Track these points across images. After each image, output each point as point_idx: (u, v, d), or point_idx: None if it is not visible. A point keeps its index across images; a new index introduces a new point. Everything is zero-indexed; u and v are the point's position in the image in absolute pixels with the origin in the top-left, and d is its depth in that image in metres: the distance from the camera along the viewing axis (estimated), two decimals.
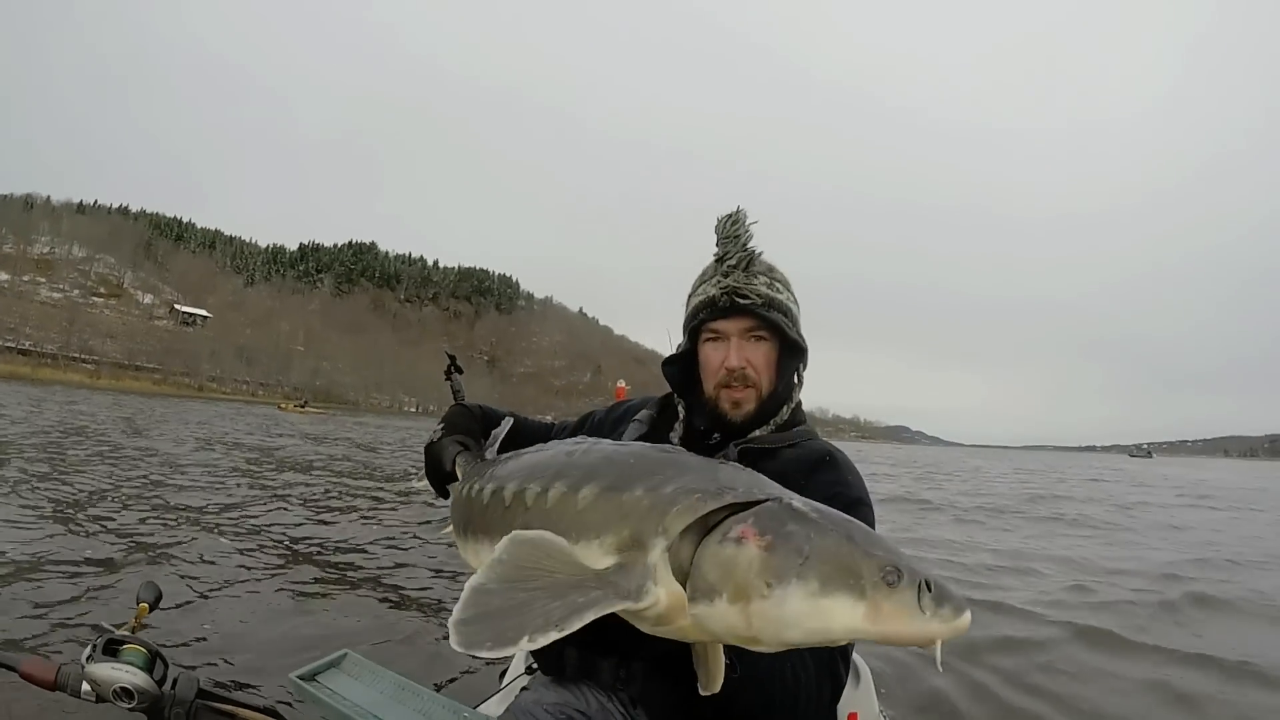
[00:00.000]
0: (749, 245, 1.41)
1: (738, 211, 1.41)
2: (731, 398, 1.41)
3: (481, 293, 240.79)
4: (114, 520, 7.56)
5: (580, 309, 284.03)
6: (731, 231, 1.41)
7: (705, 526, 0.73)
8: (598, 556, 0.76)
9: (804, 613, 0.67)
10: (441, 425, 1.57)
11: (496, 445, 1.44)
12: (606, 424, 1.66)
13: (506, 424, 1.55)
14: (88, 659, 1.30)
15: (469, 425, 1.56)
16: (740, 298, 1.37)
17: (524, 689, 1.61)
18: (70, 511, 7.79)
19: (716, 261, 1.43)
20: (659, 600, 0.72)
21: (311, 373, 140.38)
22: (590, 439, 1.01)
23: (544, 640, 0.63)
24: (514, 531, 0.75)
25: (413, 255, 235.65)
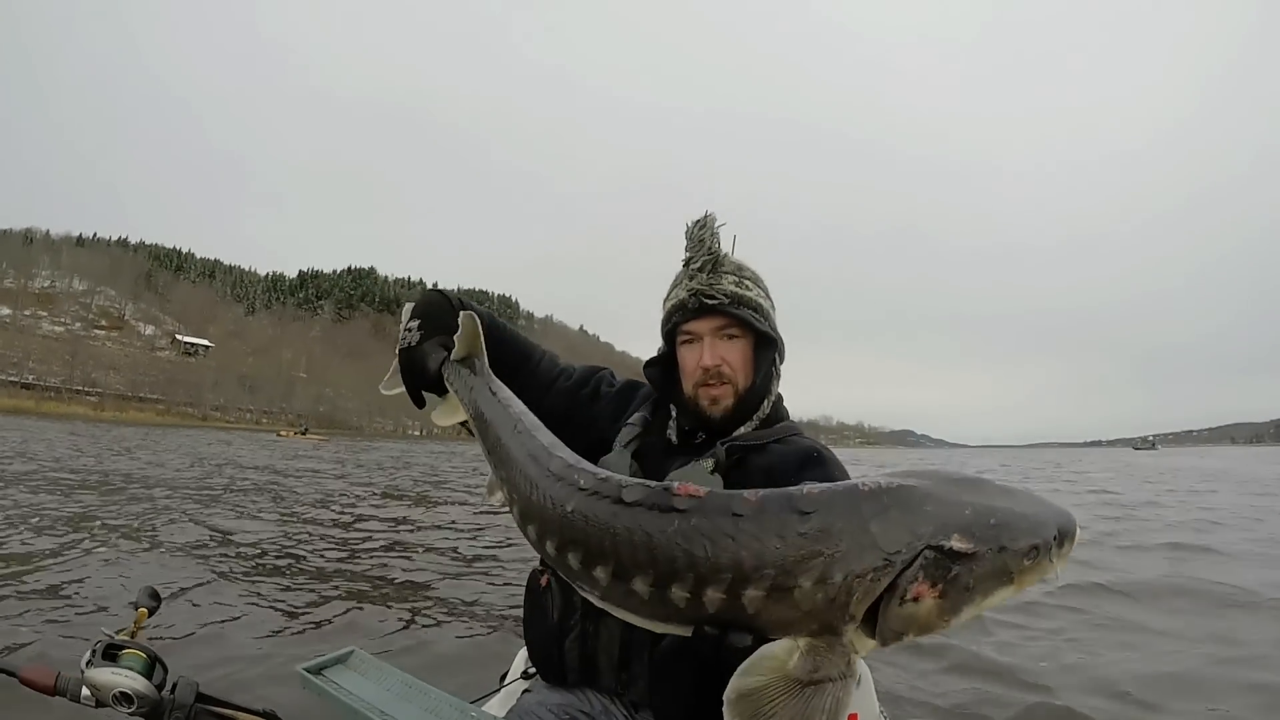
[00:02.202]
0: (714, 248, 1.43)
1: (706, 216, 1.44)
2: (709, 395, 1.45)
3: None
4: (113, 526, 7.52)
5: (581, 327, 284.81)
6: (698, 236, 1.44)
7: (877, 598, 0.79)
8: (792, 647, 0.79)
9: (972, 614, 0.80)
10: (417, 322, 1.44)
11: (485, 359, 1.36)
12: (611, 407, 1.65)
13: (471, 323, 1.36)
14: (87, 664, 1.29)
15: (448, 320, 1.43)
16: (707, 298, 1.42)
17: (526, 690, 1.63)
18: (70, 518, 7.74)
19: (684, 265, 1.47)
20: (859, 657, 0.80)
21: (315, 399, 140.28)
22: (614, 479, 0.95)
23: None
24: (726, 698, 0.78)
25: (412, 279, 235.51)
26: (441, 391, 1.39)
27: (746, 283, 1.46)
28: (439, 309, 1.46)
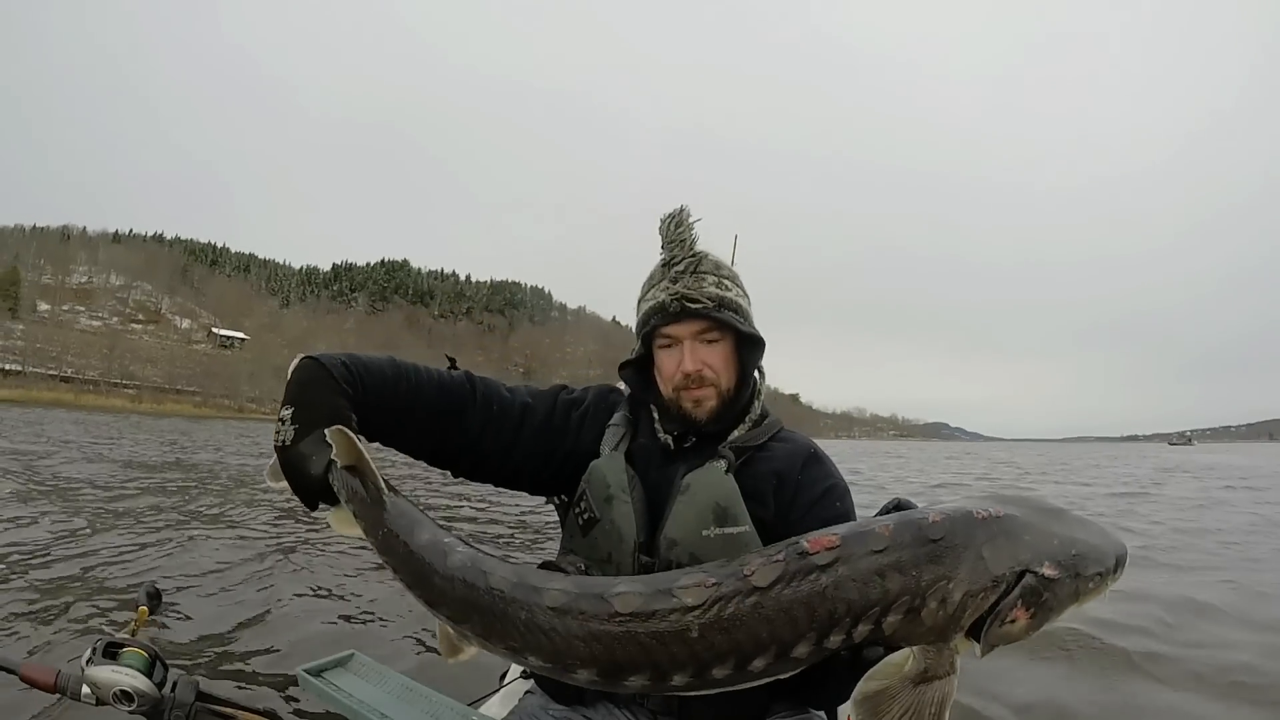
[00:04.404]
0: (694, 247, 1.39)
1: (680, 211, 1.39)
2: (692, 397, 1.39)
3: (514, 305, 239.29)
4: (115, 523, 7.46)
5: (614, 318, 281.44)
6: (676, 235, 1.38)
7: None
8: (908, 654, 0.90)
9: (1047, 628, 0.91)
10: (291, 411, 1.17)
11: (376, 476, 1.10)
12: (593, 426, 1.53)
13: (344, 440, 1.08)
14: (88, 662, 1.28)
15: (329, 405, 1.19)
16: (690, 302, 1.34)
17: (528, 692, 1.60)
18: (72, 515, 7.70)
19: (664, 266, 1.39)
20: (959, 656, 0.90)
21: None
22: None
23: None
24: (853, 698, 0.89)
25: (445, 271, 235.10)
26: (333, 499, 1.15)
27: (726, 283, 1.40)
28: (318, 390, 1.21)
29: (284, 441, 1.14)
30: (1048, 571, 0.89)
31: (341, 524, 1.15)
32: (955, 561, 0.88)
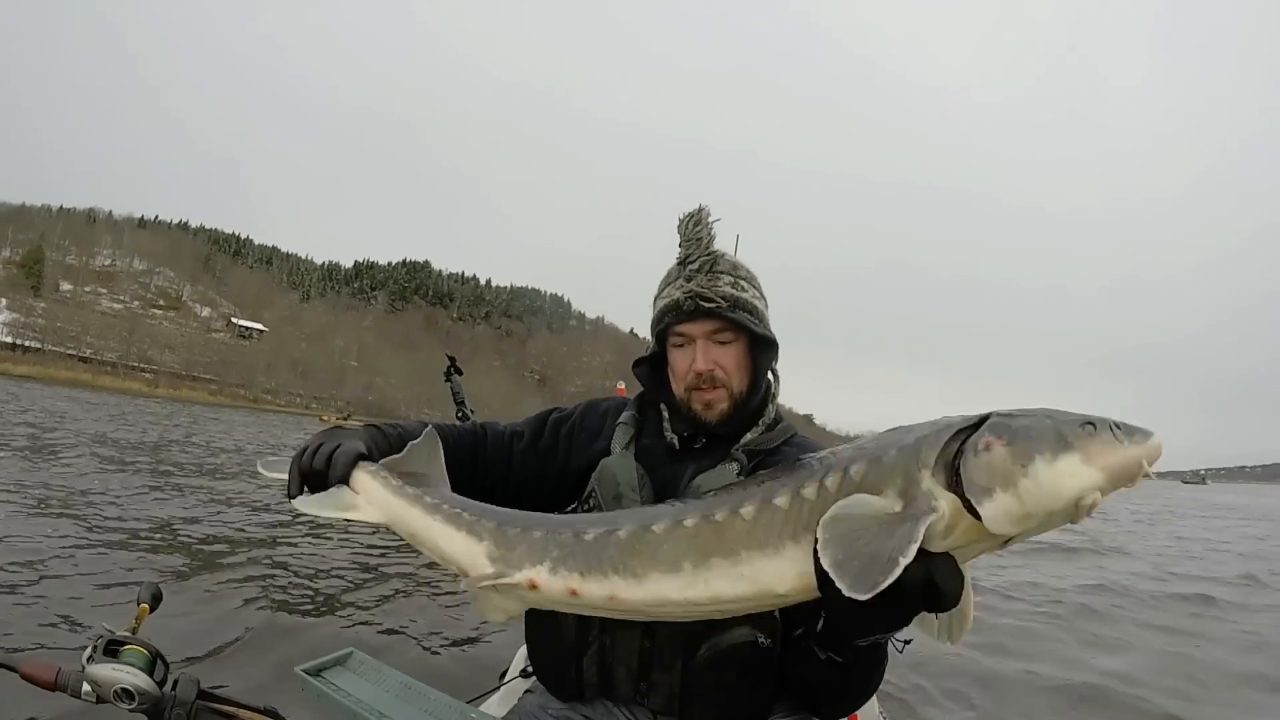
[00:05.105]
0: (711, 246, 1.39)
1: (699, 211, 1.39)
2: (703, 399, 1.40)
3: (533, 311, 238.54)
4: (116, 522, 7.58)
5: (631, 329, 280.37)
6: (694, 233, 1.38)
7: (948, 455, 0.90)
8: (885, 504, 0.90)
9: (1051, 477, 0.84)
10: (363, 422, 1.41)
11: (443, 464, 1.29)
12: (583, 437, 1.57)
13: (434, 441, 1.30)
14: (88, 660, 1.28)
15: (380, 442, 1.34)
16: (704, 300, 1.35)
17: (527, 691, 1.61)
18: (72, 513, 7.78)
19: (680, 264, 1.41)
20: (944, 509, 0.88)
21: (364, 388, 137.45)
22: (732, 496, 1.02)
23: (905, 563, 0.81)
24: (823, 520, 0.89)
25: (465, 274, 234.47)
26: (320, 488, 1.25)
27: (742, 283, 1.40)
28: (371, 431, 1.38)
29: (338, 421, 1.18)
30: (1005, 409, 0.92)
31: (323, 504, 1.23)
32: (914, 431, 0.96)
